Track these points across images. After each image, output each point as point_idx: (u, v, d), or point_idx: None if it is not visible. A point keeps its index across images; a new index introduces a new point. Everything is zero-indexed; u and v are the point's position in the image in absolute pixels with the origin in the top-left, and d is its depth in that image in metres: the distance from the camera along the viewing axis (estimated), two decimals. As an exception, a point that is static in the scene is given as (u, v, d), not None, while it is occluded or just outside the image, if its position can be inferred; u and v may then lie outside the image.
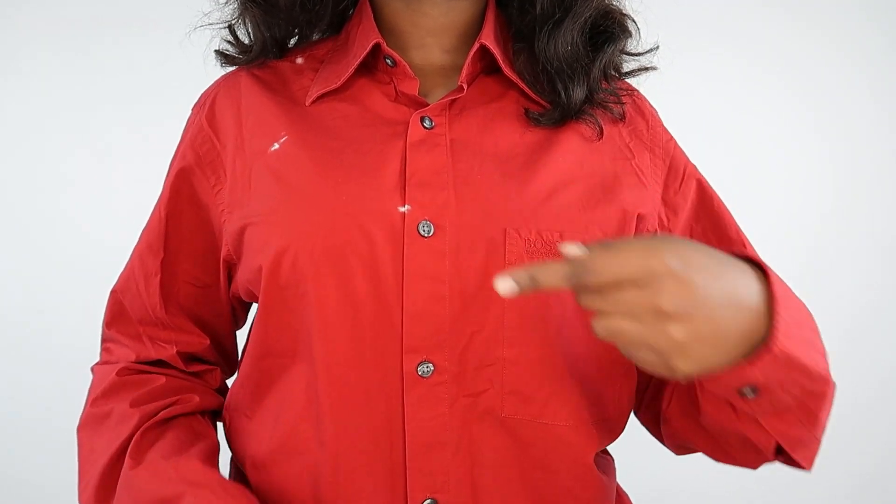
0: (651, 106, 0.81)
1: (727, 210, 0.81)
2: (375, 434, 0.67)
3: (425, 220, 0.66)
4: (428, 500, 0.67)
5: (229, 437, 0.79)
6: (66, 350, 1.32)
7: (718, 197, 0.81)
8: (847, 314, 1.51)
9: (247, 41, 0.78)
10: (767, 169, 1.50)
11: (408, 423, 0.66)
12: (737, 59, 1.45)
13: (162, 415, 0.74)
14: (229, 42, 0.79)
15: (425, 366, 0.66)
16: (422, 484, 0.67)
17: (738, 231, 0.80)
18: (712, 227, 0.79)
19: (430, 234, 0.66)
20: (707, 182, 0.80)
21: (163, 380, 0.77)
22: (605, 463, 0.77)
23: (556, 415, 0.69)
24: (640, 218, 0.73)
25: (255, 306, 0.82)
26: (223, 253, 0.75)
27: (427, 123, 0.70)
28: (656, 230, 0.77)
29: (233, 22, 0.78)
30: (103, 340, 0.83)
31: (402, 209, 0.66)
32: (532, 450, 0.69)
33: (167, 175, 0.79)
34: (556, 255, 0.67)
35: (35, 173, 1.41)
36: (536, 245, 0.67)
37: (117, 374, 0.77)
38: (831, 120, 1.49)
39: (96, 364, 0.82)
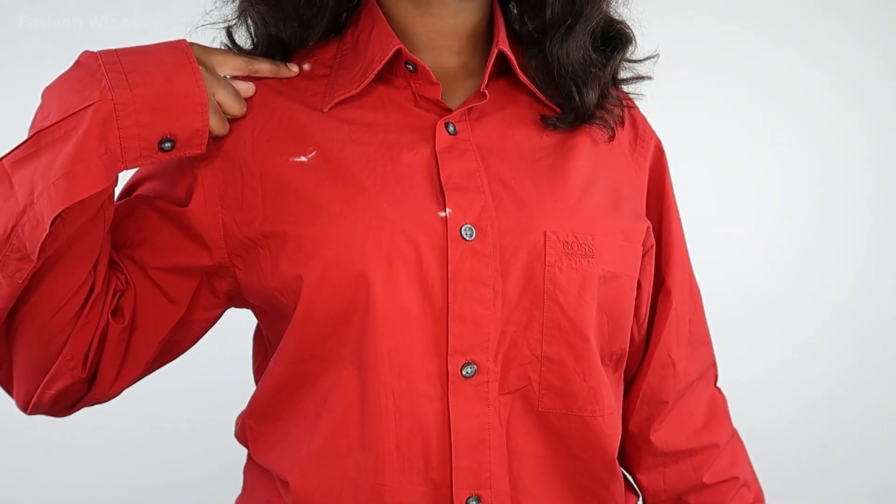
0: (642, 115, 0.84)
1: (679, 233, 0.83)
2: (421, 435, 0.68)
3: (467, 223, 0.68)
4: (471, 498, 0.68)
5: (257, 445, 0.77)
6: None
7: (679, 217, 0.84)
8: (816, 315, 1.57)
9: (249, 45, 0.77)
10: (736, 172, 1.55)
11: (453, 424, 0.67)
12: (704, 70, 1.51)
13: None
14: (228, 47, 0.77)
15: (469, 367, 0.67)
16: (466, 482, 0.68)
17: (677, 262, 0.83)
18: (657, 248, 0.83)
19: (473, 237, 0.67)
20: (675, 201, 0.83)
21: None
22: None
23: (593, 407, 0.71)
24: (648, 228, 0.77)
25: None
26: (211, 259, 0.72)
27: (451, 129, 0.71)
28: (654, 243, 0.81)
29: (232, 23, 0.76)
30: None
31: (442, 214, 0.67)
32: (567, 441, 0.72)
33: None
34: (591, 256, 0.70)
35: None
36: (573, 247, 0.69)
37: None
38: (801, 124, 1.55)
39: None
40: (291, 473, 0.71)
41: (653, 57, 0.80)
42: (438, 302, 0.67)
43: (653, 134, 0.83)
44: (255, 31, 0.76)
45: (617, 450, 0.75)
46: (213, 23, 0.77)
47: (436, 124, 0.72)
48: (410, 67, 0.72)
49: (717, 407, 0.86)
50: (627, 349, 0.79)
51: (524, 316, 0.69)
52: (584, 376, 0.70)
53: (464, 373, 0.67)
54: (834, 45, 1.54)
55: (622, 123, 0.79)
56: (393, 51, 0.71)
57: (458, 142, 0.71)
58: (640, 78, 0.80)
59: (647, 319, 0.82)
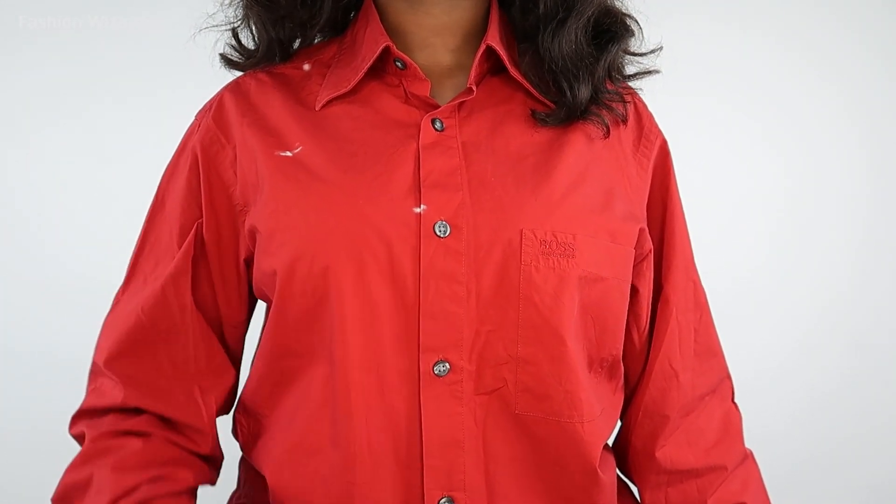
0: (649, 113, 0.82)
1: (683, 238, 0.81)
2: (392, 433, 0.68)
3: (441, 220, 0.67)
4: (444, 499, 0.68)
5: (245, 440, 0.78)
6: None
7: (683, 222, 0.81)
8: (813, 313, 1.55)
9: (251, 45, 0.78)
10: (733, 170, 1.53)
11: (424, 423, 0.67)
12: (701, 69, 1.48)
13: (141, 495, 0.69)
14: (233, 47, 0.79)
15: (441, 365, 0.67)
16: (438, 483, 0.68)
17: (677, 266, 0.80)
18: (657, 253, 0.80)
19: (447, 234, 0.67)
20: (680, 205, 0.81)
21: (140, 444, 0.72)
22: (607, 457, 0.79)
23: (570, 412, 0.70)
24: (641, 231, 0.75)
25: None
26: (244, 253, 0.75)
27: (438, 125, 0.71)
28: (651, 247, 0.79)
29: (237, 25, 0.78)
30: (94, 376, 0.76)
31: (417, 210, 0.67)
32: (545, 446, 0.70)
33: (167, 183, 0.78)
34: (570, 255, 0.68)
35: (30, 174, 1.40)
36: (552, 246, 0.68)
37: (91, 441, 0.72)
38: (799, 122, 1.52)
39: (80, 412, 0.76)
40: (268, 468, 0.72)
41: (656, 50, 0.78)
42: (410, 299, 0.67)
43: (658, 133, 0.80)
44: (256, 33, 0.77)
45: (598, 458, 0.72)
46: (216, 25, 0.78)
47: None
48: (399, 65, 0.72)
49: (731, 425, 0.82)
50: (620, 355, 0.77)
51: (498, 315, 0.68)
52: (560, 380, 0.69)
53: (436, 371, 0.67)
54: (833, 44, 1.50)
55: (625, 121, 0.77)
56: (381, 49, 0.71)
57: (444, 138, 0.71)
58: (648, 72, 0.78)
59: (647, 327, 0.80)
